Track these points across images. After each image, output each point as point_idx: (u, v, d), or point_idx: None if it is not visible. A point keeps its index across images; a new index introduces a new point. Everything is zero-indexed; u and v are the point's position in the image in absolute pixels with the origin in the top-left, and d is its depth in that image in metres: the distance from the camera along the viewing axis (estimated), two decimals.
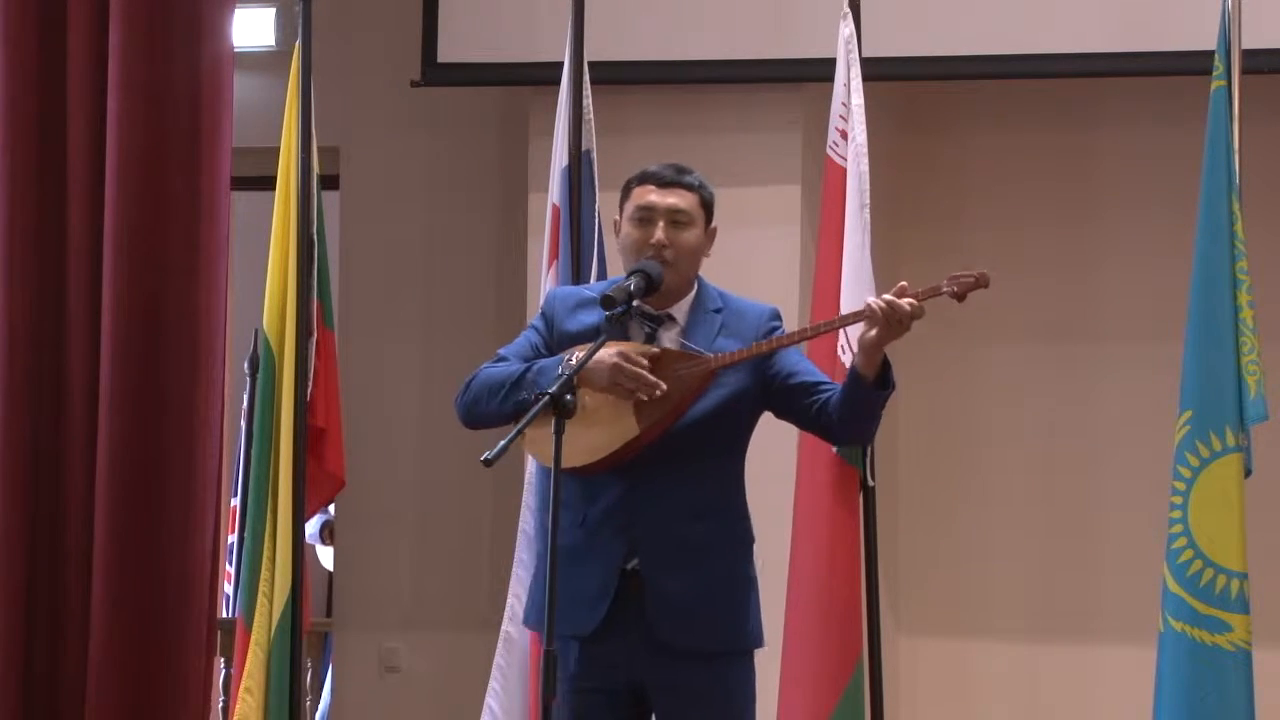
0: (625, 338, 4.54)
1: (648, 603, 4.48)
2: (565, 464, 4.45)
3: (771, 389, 4.54)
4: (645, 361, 4.43)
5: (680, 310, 4.59)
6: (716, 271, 4.78)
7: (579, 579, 4.50)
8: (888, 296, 4.37)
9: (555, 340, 4.61)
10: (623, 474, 4.49)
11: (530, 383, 4.47)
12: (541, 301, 4.83)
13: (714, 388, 4.51)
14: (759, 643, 4.63)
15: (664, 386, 4.42)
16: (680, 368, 4.45)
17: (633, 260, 4.56)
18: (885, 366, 4.41)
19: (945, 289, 4.45)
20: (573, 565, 4.51)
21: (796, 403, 4.53)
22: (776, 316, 4.64)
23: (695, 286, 4.62)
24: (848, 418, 4.47)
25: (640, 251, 4.54)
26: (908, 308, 4.35)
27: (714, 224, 4.64)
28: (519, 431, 4.36)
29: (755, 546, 4.64)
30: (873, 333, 4.37)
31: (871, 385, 4.40)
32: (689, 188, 4.59)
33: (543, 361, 4.54)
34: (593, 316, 4.55)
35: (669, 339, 4.54)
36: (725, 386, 4.52)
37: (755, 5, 6.72)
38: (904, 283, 4.41)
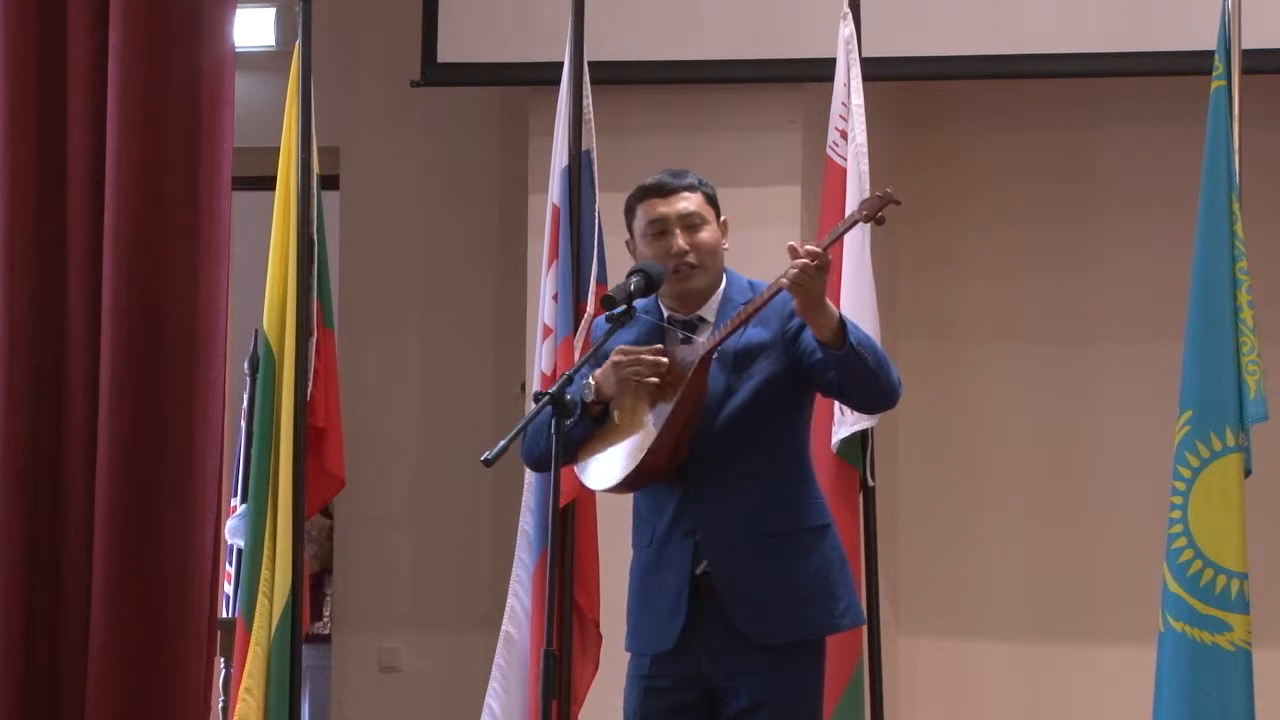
0: (661, 344, 4.51)
1: (727, 603, 4.45)
2: (602, 485, 4.49)
3: (802, 369, 4.48)
4: (639, 350, 4.43)
5: (710, 310, 4.56)
6: None
7: (656, 595, 4.52)
8: (790, 264, 4.28)
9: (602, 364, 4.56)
10: (679, 482, 4.49)
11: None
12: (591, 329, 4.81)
13: (745, 379, 4.49)
14: (855, 621, 4.60)
15: (663, 360, 4.39)
16: (683, 358, 4.44)
17: None
18: (841, 325, 4.33)
19: (858, 215, 4.39)
20: (650, 582, 4.53)
21: (821, 379, 4.47)
22: None
23: (724, 282, 4.59)
24: (841, 384, 4.43)
25: (665, 265, 4.53)
26: (803, 266, 4.23)
27: (724, 216, 4.61)
28: (518, 431, 4.37)
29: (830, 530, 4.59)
30: (797, 301, 4.31)
31: (833, 347, 4.32)
32: (691, 188, 4.57)
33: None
34: (630, 333, 4.52)
35: (704, 341, 4.51)
36: (756, 376, 4.49)
37: (755, 5, 6.72)
38: (792, 243, 4.32)
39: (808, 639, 4.51)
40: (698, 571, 4.48)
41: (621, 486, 4.49)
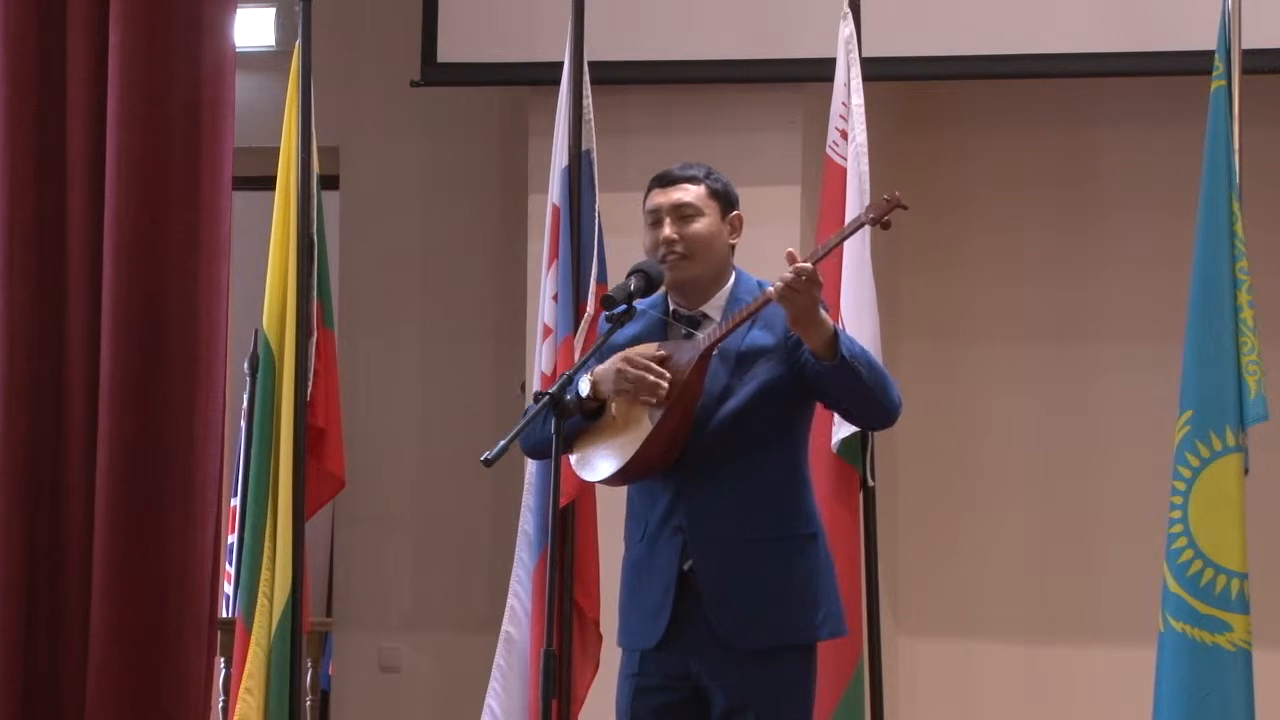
0: (664, 339, 4.53)
1: (705, 602, 4.45)
2: (596, 477, 4.50)
3: (802, 378, 4.47)
4: (649, 363, 4.42)
5: (715, 307, 4.56)
6: None
7: (645, 590, 4.52)
8: (780, 275, 4.29)
9: (607, 356, 4.55)
10: (672, 478, 4.48)
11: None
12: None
13: (744, 381, 4.48)
14: (834, 632, 4.56)
15: (664, 386, 4.40)
16: (681, 357, 4.44)
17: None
18: (835, 338, 4.33)
19: (864, 219, 4.42)
20: (640, 577, 4.54)
21: (821, 389, 4.47)
22: None
23: (731, 280, 4.59)
24: (834, 399, 4.46)
25: (655, 254, 4.54)
26: (792, 274, 4.25)
27: (737, 211, 4.60)
28: (519, 431, 4.38)
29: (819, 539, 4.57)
30: (788, 312, 4.31)
31: (825, 359, 4.33)
32: (692, 180, 4.57)
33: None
34: (634, 327, 4.51)
35: (702, 337, 4.51)
36: (755, 379, 4.48)
37: (755, 5, 6.72)
38: (790, 249, 4.34)
39: (782, 645, 4.49)
40: (685, 568, 4.48)
41: (615, 479, 4.51)
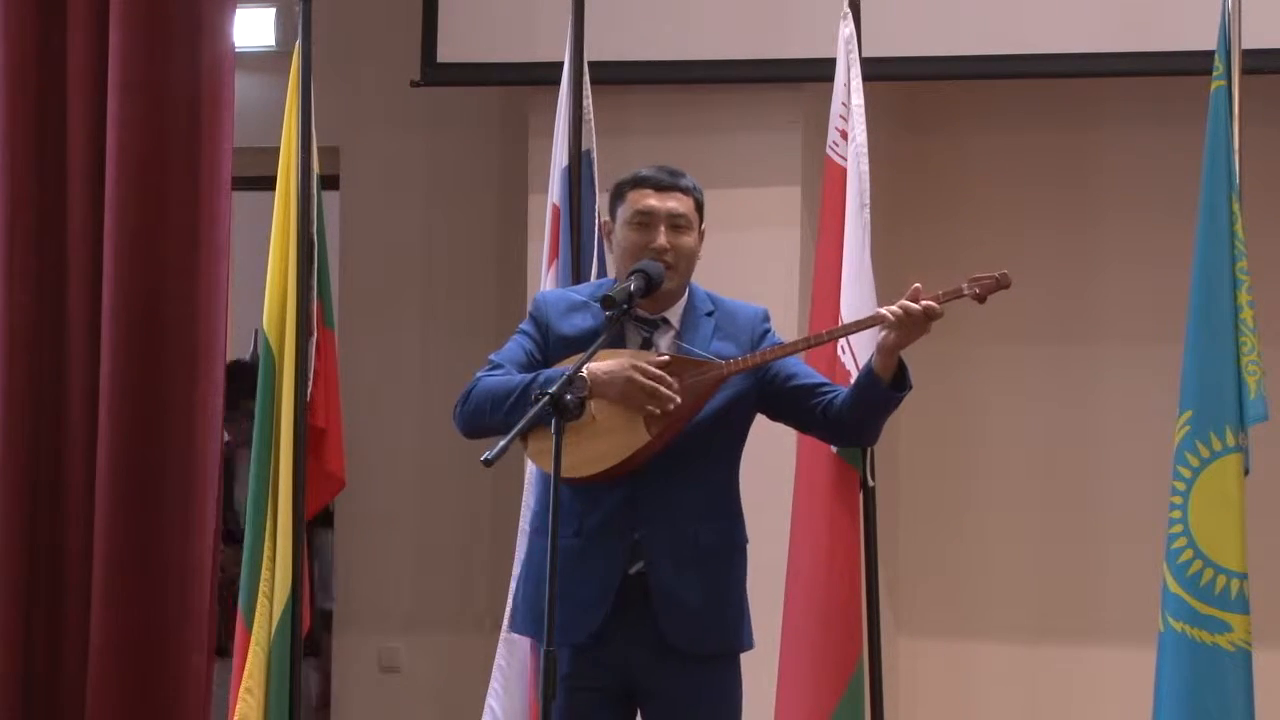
0: (621, 343, 4.55)
1: (656, 606, 4.49)
2: (570, 474, 4.47)
3: (770, 392, 4.56)
4: (663, 375, 4.44)
5: (675, 314, 4.61)
6: (716, 273, 4.78)
7: (574, 587, 4.50)
8: (903, 302, 4.42)
9: (550, 345, 4.61)
10: (623, 480, 4.50)
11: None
12: (530, 305, 4.81)
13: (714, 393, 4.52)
14: (751, 643, 4.68)
15: (678, 400, 4.43)
16: (690, 375, 4.46)
17: (630, 264, 4.57)
18: (902, 368, 4.46)
19: (966, 291, 4.51)
20: (568, 573, 4.50)
21: (799, 405, 4.55)
22: (767, 318, 4.69)
23: (688, 289, 4.64)
24: (859, 417, 4.52)
25: (640, 256, 4.55)
26: (921, 310, 4.37)
27: (703, 225, 4.66)
28: (518, 432, 4.37)
29: (750, 547, 4.68)
30: (891, 336, 4.42)
31: (888, 386, 4.44)
32: (685, 191, 4.61)
33: (548, 371, 4.52)
34: (587, 320, 4.56)
35: (665, 343, 4.56)
36: (724, 391, 4.54)
37: (755, 5, 6.72)
38: (918, 285, 4.44)
39: (723, 651, 4.58)
40: (631, 571, 4.51)
41: (591, 479, 4.49)
